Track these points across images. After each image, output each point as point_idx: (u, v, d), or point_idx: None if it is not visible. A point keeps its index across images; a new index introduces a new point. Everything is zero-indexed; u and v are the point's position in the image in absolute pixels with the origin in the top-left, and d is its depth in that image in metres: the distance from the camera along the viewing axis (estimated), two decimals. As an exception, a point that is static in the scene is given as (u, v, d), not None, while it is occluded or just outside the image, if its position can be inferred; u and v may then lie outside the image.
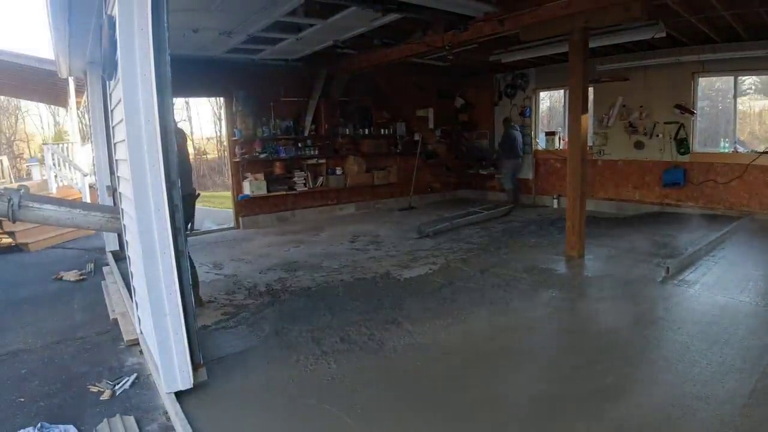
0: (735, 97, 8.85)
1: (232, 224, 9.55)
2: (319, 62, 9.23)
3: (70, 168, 11.87)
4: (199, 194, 5.38)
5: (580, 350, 3.79)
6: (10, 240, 8.62)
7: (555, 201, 10.50)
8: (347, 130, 10.54)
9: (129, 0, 2.81)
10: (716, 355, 3.54)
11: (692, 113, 8.58)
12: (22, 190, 4.42)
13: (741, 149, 8.51)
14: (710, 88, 10.66)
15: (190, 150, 27.09)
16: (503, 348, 3.89)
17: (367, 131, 10.87)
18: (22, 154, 25.26)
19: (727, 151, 8.68)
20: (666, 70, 8.64)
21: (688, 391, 3.08)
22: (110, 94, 4.10)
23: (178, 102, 23.40)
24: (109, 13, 3.28)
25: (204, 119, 41.65)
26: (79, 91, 11.99)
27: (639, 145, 9.29)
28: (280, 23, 6.52)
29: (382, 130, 11.13)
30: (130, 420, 3.01)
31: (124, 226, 4.07)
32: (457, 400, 3.12)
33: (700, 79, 8.64)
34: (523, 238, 7.69)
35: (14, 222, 4.50)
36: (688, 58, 8.29)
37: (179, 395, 3.13)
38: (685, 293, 4.92)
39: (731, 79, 8.75)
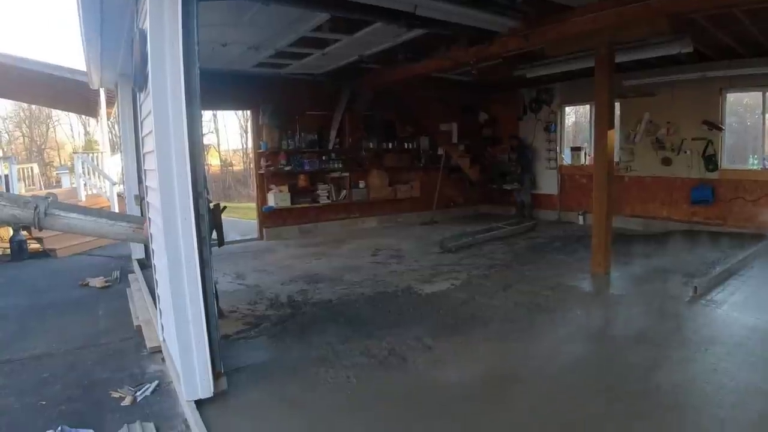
0: (764, 112, 8.60)
1: (255, 235, 9.67)
2: (344, 77, 9.30)
3: (99, 177, 12.20)
4: (225, 207, 5.41)
5: (603, 370, 3.70)
6: (38, 246, 8.84)
7: (581, 217, 10.34)
8: (371, 143, 10.61)
9: (160, 14, 2.88)
10: (744, 376, 3.42)
11: (720, 129, 8.41)
12: (50, 198, 4.49)
13: (770, 166, 8.30)
14: (738, 103, 10.42)
15: (216, 161, 27.67)
16: (523, 367, 3.81)
17: (390, 145, 10.91)
18: (52, 162, 26.01)
19: (755, 167, 8.49)
20: (693, 86, 8.49)
21: (714, 413, 2.99)
22: (140, 106, 4.20)
23: (206, 114, 23.93)
24: (140, 26, 3.37)
25: (231, 131, 42.55)
26: (109, 102, 12.31)
27: (666, 162, 9.13)
28: (307, 38, 6.62)
29: (406, 144, 11.17)
30: (150, 426, 3.03)
31: (151, 234, 4.13)
32: (474, 418, 3.07)
33: (728, 94, 8.48)
34: (547, 254, 7.60)
35: (40, 230, 4.57)
36: (715, 73, 8.14)
37: (199, 403, 3.14)
38: (713, 313, 4.78)
39: (759, 94, 8.54)
